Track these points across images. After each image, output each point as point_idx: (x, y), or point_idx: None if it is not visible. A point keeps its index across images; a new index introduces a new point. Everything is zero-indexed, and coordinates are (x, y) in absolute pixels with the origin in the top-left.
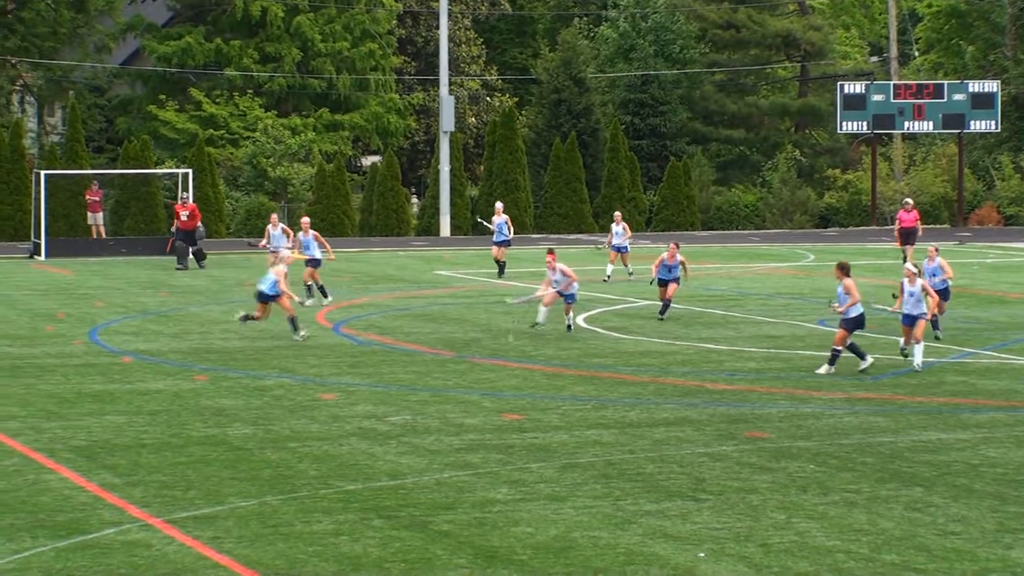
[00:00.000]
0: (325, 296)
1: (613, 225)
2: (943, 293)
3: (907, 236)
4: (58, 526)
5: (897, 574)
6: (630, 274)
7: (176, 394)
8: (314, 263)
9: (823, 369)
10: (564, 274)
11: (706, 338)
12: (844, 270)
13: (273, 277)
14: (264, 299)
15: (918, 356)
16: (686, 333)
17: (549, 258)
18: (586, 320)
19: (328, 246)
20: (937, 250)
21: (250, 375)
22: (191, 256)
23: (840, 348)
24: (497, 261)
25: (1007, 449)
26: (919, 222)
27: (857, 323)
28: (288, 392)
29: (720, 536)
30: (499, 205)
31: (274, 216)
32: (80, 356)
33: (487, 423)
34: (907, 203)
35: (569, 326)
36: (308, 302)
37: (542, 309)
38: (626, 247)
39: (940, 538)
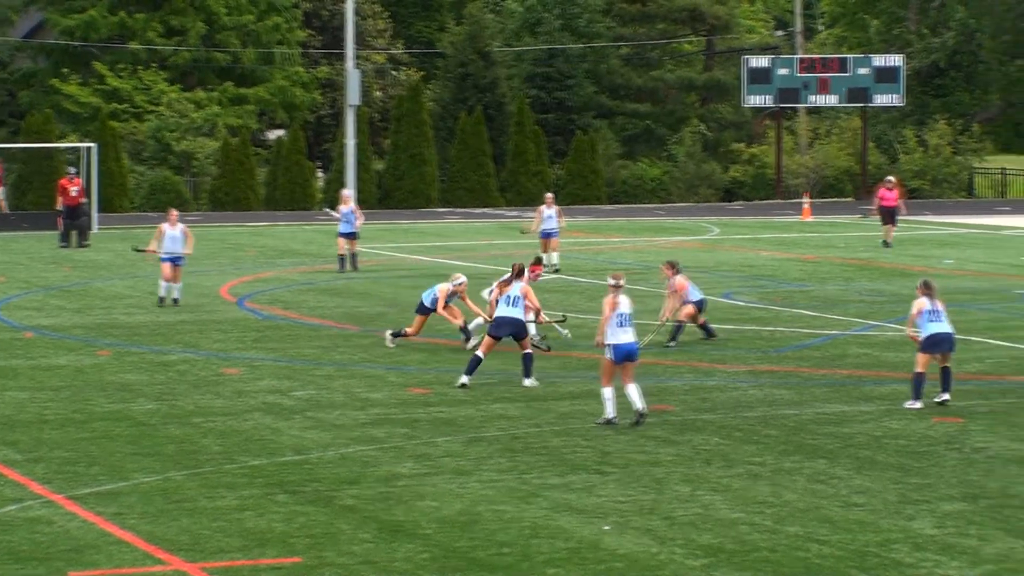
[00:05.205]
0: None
1: (544, 207)
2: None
3: (889, 215)
4: None
5: (800, 545)
6: (556, 269)
7: (79, 369)
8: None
9: (527, 383)
10: None
11: None
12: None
13: (435, 293)
14: (423, 311)
15: (637, 402)
16: (591, 307)
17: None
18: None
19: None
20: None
21: (154, 350)
22: (74, 234)
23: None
24: (340, 256)
25: (909, 421)
26: (901, 200)
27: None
28: (192, 367)
29: (625, 509)
30: (346, 192)
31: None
32: None
33: (392, 397)
34: (889, 180)
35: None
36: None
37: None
38: (556, 232)
39: (843, 509)
